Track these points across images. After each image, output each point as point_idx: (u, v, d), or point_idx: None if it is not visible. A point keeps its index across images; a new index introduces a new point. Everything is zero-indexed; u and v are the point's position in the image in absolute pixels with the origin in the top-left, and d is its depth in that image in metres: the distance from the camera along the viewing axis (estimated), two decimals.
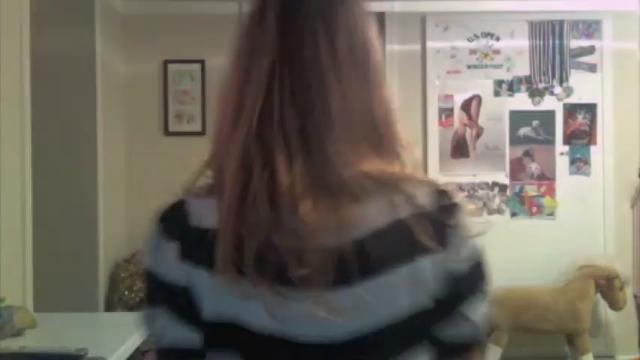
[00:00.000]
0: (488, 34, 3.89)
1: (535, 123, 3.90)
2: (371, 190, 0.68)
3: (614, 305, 3.59)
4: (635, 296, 3.83)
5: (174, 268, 0.72)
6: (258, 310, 0.67)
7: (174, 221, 0.75)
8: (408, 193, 0.69)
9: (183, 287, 0.71)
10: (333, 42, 0.71)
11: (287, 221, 0.66)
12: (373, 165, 0.70)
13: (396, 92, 0.79)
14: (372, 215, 0.68)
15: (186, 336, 0.72)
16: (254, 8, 0.75)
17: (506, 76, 3.89)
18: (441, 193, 0.72)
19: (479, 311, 0.75)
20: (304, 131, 0.68)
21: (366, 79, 0.72)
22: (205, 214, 0.71)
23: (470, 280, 0.74)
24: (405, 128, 0.75)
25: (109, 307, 3.36)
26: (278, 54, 0.70)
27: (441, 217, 0.70)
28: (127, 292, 3.29)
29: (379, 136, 0.72)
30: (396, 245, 0.68)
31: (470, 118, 3.89)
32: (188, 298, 0.71)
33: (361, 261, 0.66)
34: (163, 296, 0.73)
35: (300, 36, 0.71)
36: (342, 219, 0.66)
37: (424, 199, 0.70)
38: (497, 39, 3.89)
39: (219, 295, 0.69)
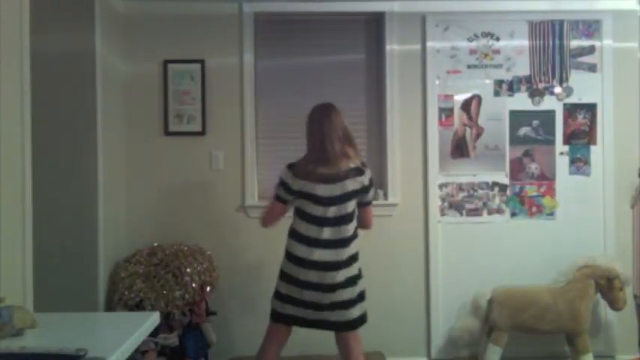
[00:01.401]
0: (488, 34, 3.89)
1: (535, 123, 3.90)
2: (344, 158, 2.82)
3: (614, 305, 3.60)
4: (635, 296, 3.83)
5: (290, 179, 2.83)
6: (312, 188, 2.79)
7: (292, 167, 2.85)
8: (353, 160, 2.85)
9: (288, 183, 2.83)
10: (335, 123, 2.85)
11: (329, 167, 2.80)
12: (347, 150, 2.85)
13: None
14: (345, 166, 2.81)
15: (288, 197, 2.86)
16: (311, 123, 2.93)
17: (506, 76, 3.90)
18: (363, 164, 2.88)
19: (373, 192, 2.90)
20: (328, 145, 2.82)
21: (345, 130, 2.87)
22: (301, 167, 2.83)
23: (369, 184, 2.86)
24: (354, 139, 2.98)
25: (109, 307, 3.36)
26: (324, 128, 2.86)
27: (362, 167, 2.85)
28: (126, 292, 3.29)
29: (349, 142, 2.88)
30: (351, 173, 2.81)
31: (470, 118, 3.89)
32: (289, 187, 2.83)
33: (344, 176, 2.79)
34: (283, 186, 2.85)
35: (326, 124, 2.86)
36: (342, 165, 2.81)
37: (357, 163, 2.85)
38: (497, 39, 3.89)
39: (299, 185, 2.80)
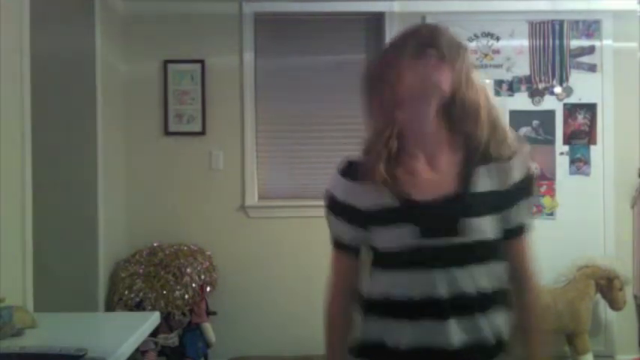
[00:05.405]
0: (488, 34, 3.89)
1: (535, 123, 3.90)
2: None
3: (614, 305, 3.59)
4: (635, 296, 3.83)
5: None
6: None
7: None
8: None
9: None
10: None
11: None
12: None
13: None
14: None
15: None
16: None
17: (506, 76, 3.89)
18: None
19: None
20: None
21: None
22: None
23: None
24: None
25: (109, 307, 3.36)
26: None
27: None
28: (127, 292, 3.29)
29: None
30: None
31: None
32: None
33: None
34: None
35: None
36: None
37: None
38: (497, 39, 3.89)
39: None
